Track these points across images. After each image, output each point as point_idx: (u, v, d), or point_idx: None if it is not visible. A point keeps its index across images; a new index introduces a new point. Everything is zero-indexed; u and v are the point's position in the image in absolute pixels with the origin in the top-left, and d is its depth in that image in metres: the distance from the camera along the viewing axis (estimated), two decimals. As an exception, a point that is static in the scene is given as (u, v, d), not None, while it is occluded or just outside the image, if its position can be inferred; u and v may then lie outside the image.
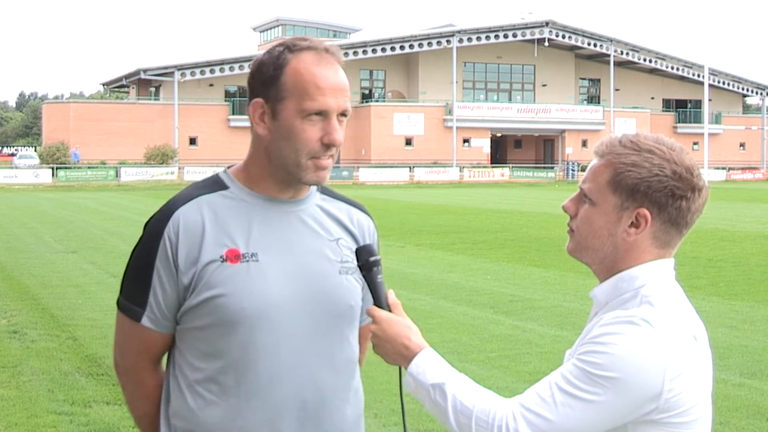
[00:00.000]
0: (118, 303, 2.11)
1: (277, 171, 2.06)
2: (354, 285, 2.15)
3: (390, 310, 2.01)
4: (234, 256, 2.01)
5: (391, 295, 2.03)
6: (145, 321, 2.05)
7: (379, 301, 2.02)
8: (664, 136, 1.88)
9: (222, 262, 2.01)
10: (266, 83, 2.02)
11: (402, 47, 69.72)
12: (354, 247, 2.18)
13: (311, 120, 1.99)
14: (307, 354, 2.06)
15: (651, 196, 1.81)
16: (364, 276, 2.07)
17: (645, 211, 1.82)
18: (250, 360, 2.01)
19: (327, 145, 2.01)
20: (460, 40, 70.53)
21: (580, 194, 1.90)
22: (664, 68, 79.15)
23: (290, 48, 2.03)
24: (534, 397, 1.75)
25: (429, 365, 1.86)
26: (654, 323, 1.74)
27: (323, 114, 2.00)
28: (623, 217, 1.83)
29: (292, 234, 2.08)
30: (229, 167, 2.17)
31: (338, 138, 2.01)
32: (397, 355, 1.92)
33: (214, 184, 2.11)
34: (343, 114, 2.03)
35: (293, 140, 2.00)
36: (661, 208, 1.82)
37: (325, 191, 2.21)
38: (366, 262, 2.06)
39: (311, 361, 2.07)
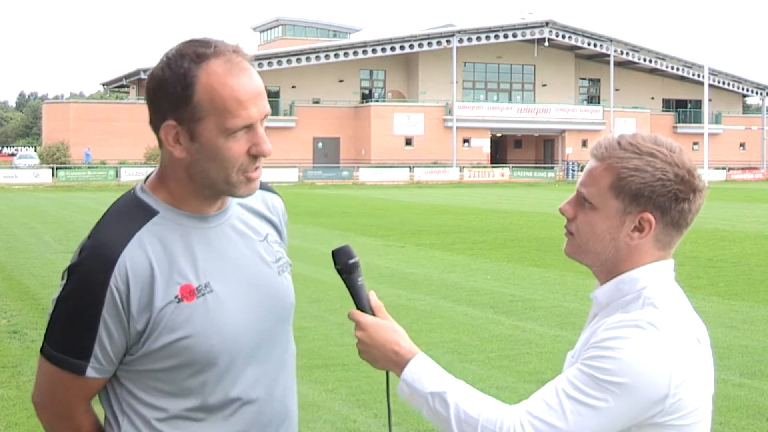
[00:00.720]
0: (49, 355, 1.90)
1: (203, 189, 1.92)
2: (290, 281, 2.10)
3: (373, 313, 1.94)
4: (189, 293, 1.89)
5: (374, 298, 1.96)
6: (90, 372, 1.89)
7: (361, 304, 1.94)
8: (661, 135, 1.87)
9: (178, 302, 1.88)
10: (175, 103, 1.83)
11: (402, 47, 69.70)
12: (278, 237, 2.12)
13: (236, 136, 1.84)
14: (269, 365, 2.02)
15: (654, 201, 1.80)
16: (344, 279, 1.98)
17: (649, 216, 1.81)
18: (222, 392, 1.94)
19: (255, 156, 1.88)
20: (460, 40, 70.51)
21: (579, 197, 1.87)
22: (664, 68, 79.13)
23: (194, 59, 1.82)
24: (541, 404, 1.73)
25: (425, 372, 1.83)
26: (659, 326, 1.73)
27: (249, 127, 1.85)
28: (626, 222, 1.82)
29: (230, 248, 1.98)
30: (146, 180, 1.99)
31: (267, 148, 1.87)
32: (387, 361, 1.88)
33: (142, 212, 1.92)
34: (264, 118, 1.89)
35: (219, 160, 1.85)
36: (664, 212, 1.81)
37: None
38: (345, 265, 1.97)
39: (273, 371, 2.03)
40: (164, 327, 1.87)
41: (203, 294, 1.91)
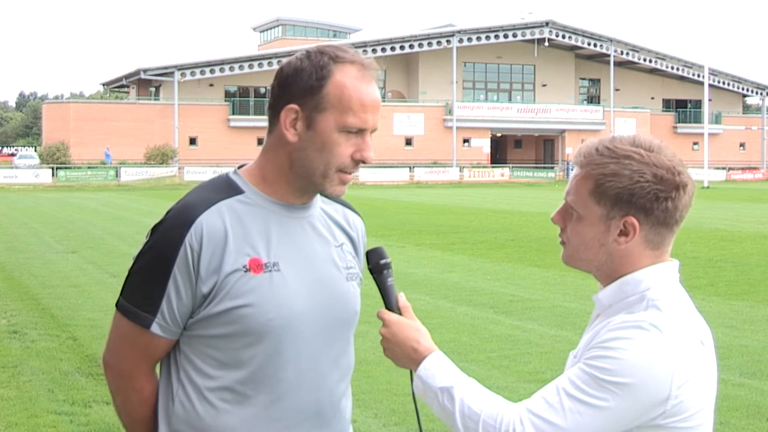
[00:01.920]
0: (121, 307, 2.04)
1: (297, 179, 2.04)
2: (357, 291, 2.18)
3: (400, 313, 1.99)
4: (257, 266, 1.99)
5: (402, 298, 2.02)
6: (155, 328, 2.00)
7: (389, 304, 2.02)
8: (642, 135, 1.86)
9: (245, 272, 1.98)
10: (305, 91, 1.98)
11: (402, 47, 69.70)
12: (352, 250, 2.20)
13: (348, 135, 1.99)
14: (322, 362, 2.08)
15: (635, 203, 1.80)
16: (374, 279, 2.07)
17: (632, 219, 1.81)
18: (272, 370, 2.01)
19: (357, 161, 2.01)
20: (460, 40, 70.52)
21: (566, 206, 1.89)
22: (664, 68, 79.10)
23: (333, 58, 1.99)
24: (541, 402, 1.73)
25: (438, 368, 1.85)
26: (662, 328, 1.73)
27: (361, 131, 2.00)
28: (611, 227, 1.82)
29: (306, 241, 2.08)
30: (239, 167, 2.13)
31: (370, 155, 2.01)
32: (407, 359, 1.92)
33: (229, 189, 2.06)
34: (373, 130, 2.04)
35: (326, 152, 1.98)
36: (648, 213, 1.80)
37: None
38: (377, 264, 2.06)
39: (325, 369, 2.08)
40: (228, 293, 1.97)
41: (270, 270, 2.00)
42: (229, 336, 1.99)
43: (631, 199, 1.79)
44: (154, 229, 2.03)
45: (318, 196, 2.15)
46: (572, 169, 1.91)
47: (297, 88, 1.99)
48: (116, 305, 2.07)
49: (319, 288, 2.07)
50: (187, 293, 1.98)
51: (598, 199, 1.82)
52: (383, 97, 72.30)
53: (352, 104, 1.97)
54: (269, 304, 1.99)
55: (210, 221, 1.98)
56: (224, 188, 2.05)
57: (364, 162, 2.02)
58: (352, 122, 1.97)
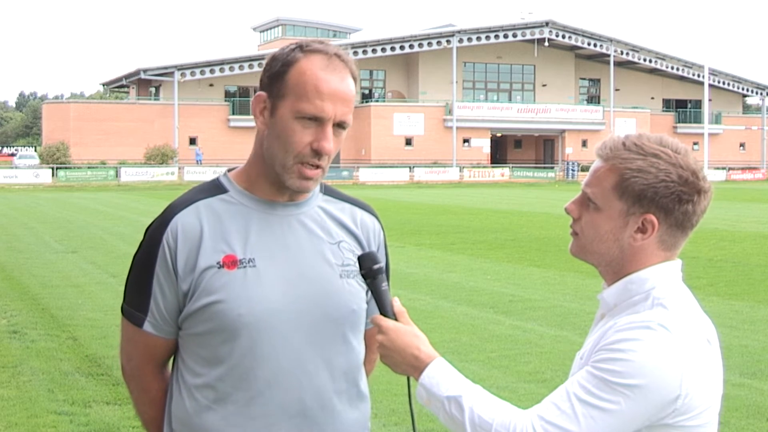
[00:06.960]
0: (123, 309, 2.12)
1: (269, 172, 2.04)
2: (357, 288, 2.11)
3: (396, 319, 1.95)
4: (231, 262, 2.00)
5: (397, 303, 1.98)
6: (147, 326, 2.06)
7: (384, 309, 1.97)
8: (667, 136, 1.86)
9: (219, 268, 1.99)
10: (272, 78, 2.01)
11: (402, 47, 69.71)
12: (357, 247, 2.14)
13: (305, 123, 1.97)
14: (306, 359, 2.03)
15: (658, 202, 1.79)
16: (368, 284, 2.03)
17: (652, 217, 1.80)
18: (249, 367, 2.00)
19: (315, 151, 1.98)
20: (460, 40, 70.52)
21: (584, 197, 1.87)
22: (664, 68, 79.14)
23: (302, 48, 2.01)
24: (553, 408, 1.72)
25: (442, 376, 1.83)
26: (670, 327, 1.72)
27: (318, 119, 1.96)
28: (629, 223, 1.82)
29: (290, 238, 2.06)
30: (230, 170, 2.15)
31: (327, 146, 1.97)
32: (407, 366, 1.89)
33: (214, 188, 2.09)
34: (340, 125, 1.99)
35: (283, 139, 1.98)
36: (668, 213, 1.80)
37: (328, 192, 2.19)
38: (369, 270, 2.01)
39: (311, 367, 2.04)
40: (203, 289, 2.00)
41: (244, 267, 2.01)
42: (209, 333, 2.01)
43: (654, 198, 1.79)
44: (145, 232, 2.10)
45: (318, 194, 2.14)
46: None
47: (267, 76, 2.03)
48: (121, 308, 2.13)
49: (303, 284, 2.04)
50: (171, 291, 2.03)
51: (620, 193, 1.81)
52: (383, 97, 72.32)
53: (308, 90, 1.95)
54: (240, 299, 1.99)
55: (186, 220, 2.02)
56: (209, 189, 2.10)
57: (320, 152, 1.97)
58: (306, 108, 1.95)
